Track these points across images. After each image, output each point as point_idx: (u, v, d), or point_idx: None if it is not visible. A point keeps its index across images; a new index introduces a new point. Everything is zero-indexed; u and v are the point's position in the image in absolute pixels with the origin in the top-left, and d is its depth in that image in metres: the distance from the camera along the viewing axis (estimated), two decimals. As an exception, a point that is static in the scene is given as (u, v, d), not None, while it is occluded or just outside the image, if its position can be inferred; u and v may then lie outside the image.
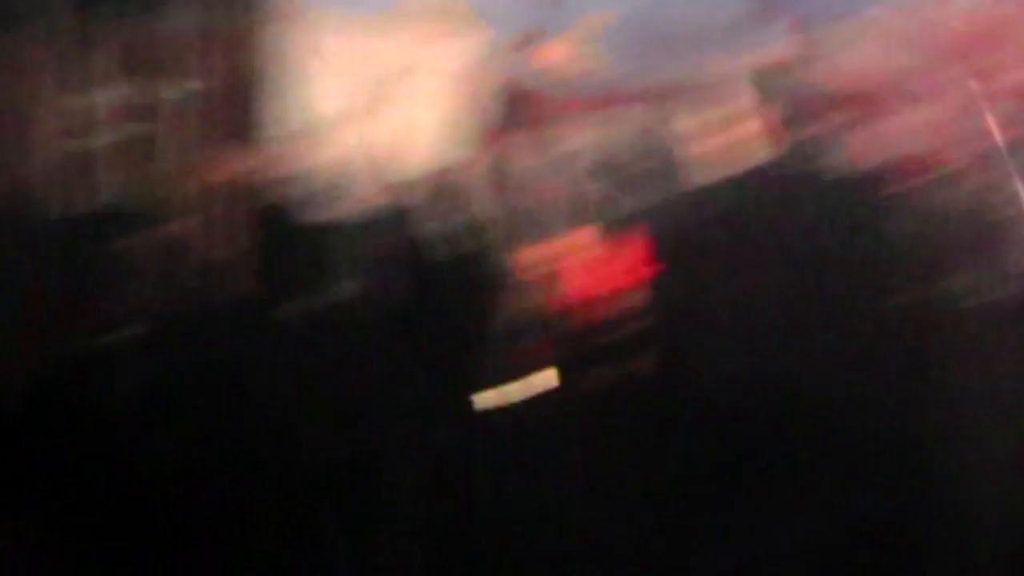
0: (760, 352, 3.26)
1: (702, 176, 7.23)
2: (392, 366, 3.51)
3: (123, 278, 6.01)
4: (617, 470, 3.22)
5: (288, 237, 4.22)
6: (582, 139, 7.71)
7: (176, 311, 5.77)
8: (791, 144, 7.01)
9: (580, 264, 6.86)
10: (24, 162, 7.75)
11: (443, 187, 7.20)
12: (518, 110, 7.78)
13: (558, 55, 7.39)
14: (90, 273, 4.04)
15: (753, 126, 7.04)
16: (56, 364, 3.80)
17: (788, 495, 3.19)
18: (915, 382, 3.25)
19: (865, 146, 7.11)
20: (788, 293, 3.38)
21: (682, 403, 3.29)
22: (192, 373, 3.78)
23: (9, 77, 7.69)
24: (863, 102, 7.25)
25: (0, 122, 7.62)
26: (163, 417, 3.58)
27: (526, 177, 7.62)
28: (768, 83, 7.06)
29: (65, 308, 3.93)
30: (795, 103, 7.06)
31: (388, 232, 4.92)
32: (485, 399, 4.19)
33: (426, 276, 3.51)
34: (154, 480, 3.39)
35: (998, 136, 7.62)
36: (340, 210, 7.36)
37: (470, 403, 3.46)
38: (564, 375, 3.20)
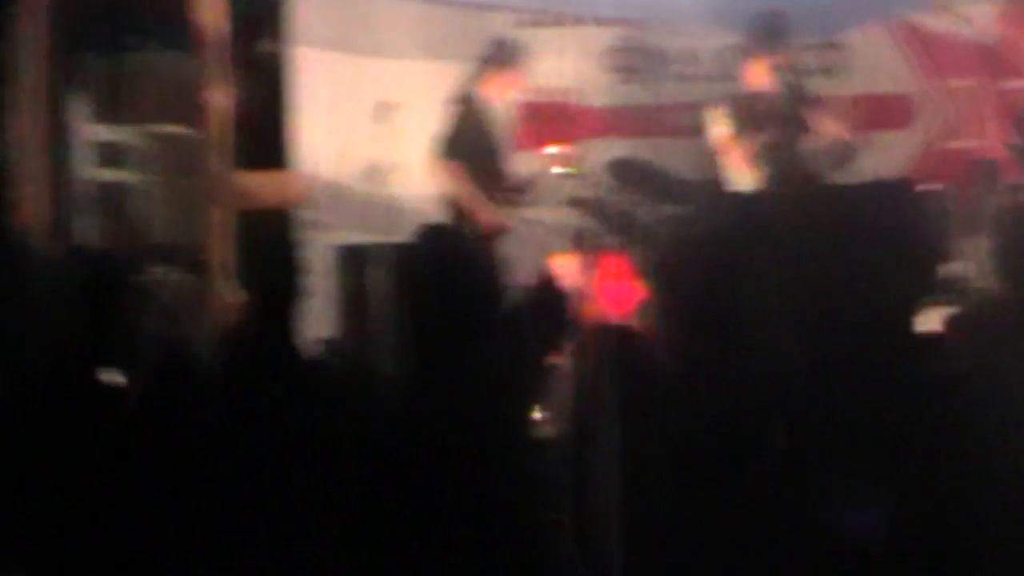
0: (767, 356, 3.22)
1: (697, 194, 7.22)
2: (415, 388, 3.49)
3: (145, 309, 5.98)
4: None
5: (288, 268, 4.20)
6: (583, 159, 7.68)
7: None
8: (779, 162, 7.01)
9: (593, 277, 6.85)
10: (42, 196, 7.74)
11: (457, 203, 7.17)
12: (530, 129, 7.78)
13: (513, 83, 7.35)
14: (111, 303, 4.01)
15: (739, 149, 7.03)
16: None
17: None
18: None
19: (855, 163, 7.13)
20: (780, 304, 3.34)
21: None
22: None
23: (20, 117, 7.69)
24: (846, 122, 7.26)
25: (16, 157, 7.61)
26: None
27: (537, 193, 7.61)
28: (751, 110, 7.06)
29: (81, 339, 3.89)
30: (779, 126, 7.05)
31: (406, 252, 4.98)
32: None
33: (449, 291, 3.48)
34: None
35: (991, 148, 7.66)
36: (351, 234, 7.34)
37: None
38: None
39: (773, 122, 6.99)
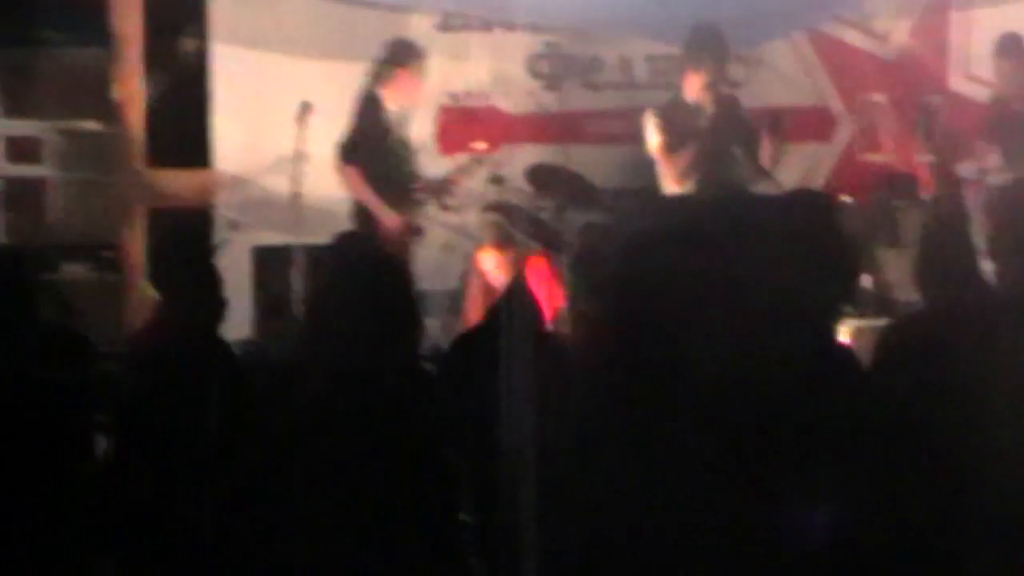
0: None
1: (618, 200, 7.25)
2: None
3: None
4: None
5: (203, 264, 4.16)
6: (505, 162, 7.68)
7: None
8: (706, 172, 7.03)
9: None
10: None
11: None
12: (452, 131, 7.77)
13: (415, 84, 7.31)
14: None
15: (671, 159, 7.03)
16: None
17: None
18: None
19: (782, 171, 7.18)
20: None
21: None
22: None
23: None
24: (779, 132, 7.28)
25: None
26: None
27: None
28: (683, 120, 7.07)
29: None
30: (711, 139, 7.06)
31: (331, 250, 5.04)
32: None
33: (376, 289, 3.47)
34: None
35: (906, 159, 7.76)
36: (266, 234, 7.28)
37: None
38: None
39: (705, 134, 7.00)
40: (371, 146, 7.17)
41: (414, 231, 7.26)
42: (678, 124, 7.02)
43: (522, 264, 6.93)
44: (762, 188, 6.89)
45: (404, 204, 7.23)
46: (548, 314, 6.78)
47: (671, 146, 7.00)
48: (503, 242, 6.99)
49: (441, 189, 7.51)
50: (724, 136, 7.06)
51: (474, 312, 7.06)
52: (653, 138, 7.05)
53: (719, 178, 6.97)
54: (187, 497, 3.39)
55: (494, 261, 6.95)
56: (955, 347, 3.73)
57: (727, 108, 7.12)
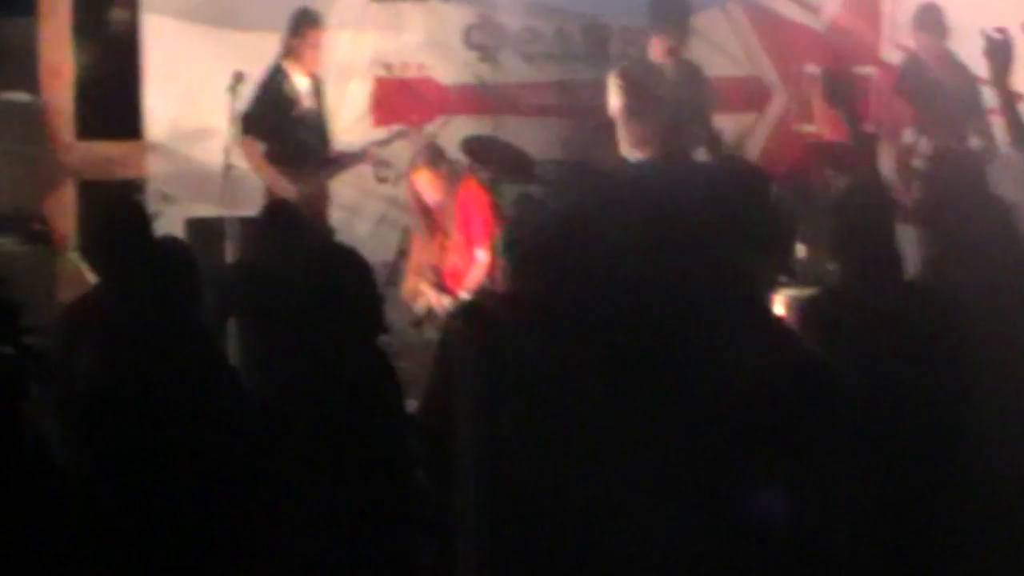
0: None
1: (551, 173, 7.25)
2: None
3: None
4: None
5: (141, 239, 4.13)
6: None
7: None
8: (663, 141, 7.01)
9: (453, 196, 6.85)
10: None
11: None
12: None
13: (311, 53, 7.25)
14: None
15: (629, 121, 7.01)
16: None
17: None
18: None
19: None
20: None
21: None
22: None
23: None
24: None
25: None
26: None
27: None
28: (643, 80, 7.05)
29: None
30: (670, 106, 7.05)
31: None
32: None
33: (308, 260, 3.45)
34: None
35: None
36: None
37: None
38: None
39: (666, 99, 6.98)
40: (274, 117, 7.14)
41: (316, 202, 7.20)
42: (641, 86, 6.99)
43: (456, 185, 6.94)
44: (711, 156, 6.92)
45: (311, 175, 7.20)
46: (483, 239, 6.81)
47: (632, 108, 6.95)
48: (436, 162, 6.98)
49: (359, 160, 7.49)
50: (683, 101, 7.06)
51: (417, 244, 7.09)
52: (614, 99, 7.01)
53: (678, 144, 6.97)
54: (142, 483, 3.36)
55: (428, 180, 6.94)
56: (870, 318, 3.77)
57: (688, 73, 7.14)
